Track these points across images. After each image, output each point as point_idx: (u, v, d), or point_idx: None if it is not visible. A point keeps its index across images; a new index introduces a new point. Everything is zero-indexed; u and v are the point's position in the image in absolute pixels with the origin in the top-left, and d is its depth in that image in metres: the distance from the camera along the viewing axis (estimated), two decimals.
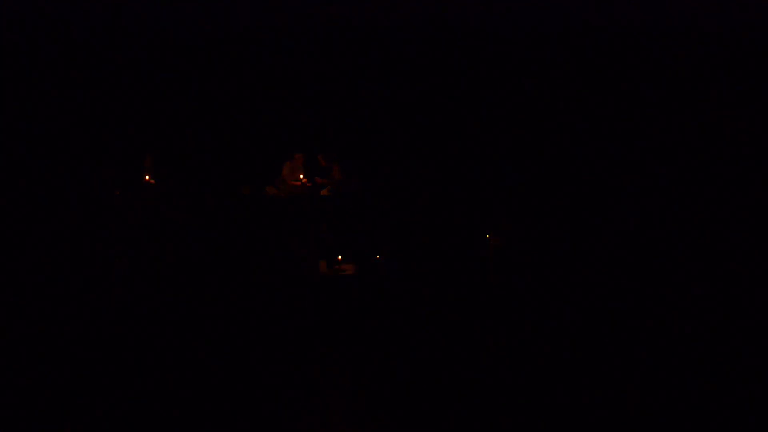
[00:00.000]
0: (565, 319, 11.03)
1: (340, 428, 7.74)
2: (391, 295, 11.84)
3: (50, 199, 11.79)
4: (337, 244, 12.85)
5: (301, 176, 12.89)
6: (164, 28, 11.95)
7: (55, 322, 11.27)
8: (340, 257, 12.48)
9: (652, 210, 11.88)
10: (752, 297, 11.07)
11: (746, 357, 9.93)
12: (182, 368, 9.85)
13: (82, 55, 11.89)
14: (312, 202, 12.89)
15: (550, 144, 12.26)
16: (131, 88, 12.12)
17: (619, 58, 12.05)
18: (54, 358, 9.98)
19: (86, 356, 10.20)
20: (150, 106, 12.21)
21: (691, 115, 11.87)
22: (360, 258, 12.37)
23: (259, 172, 12.91)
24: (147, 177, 12.62)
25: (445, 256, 12.16)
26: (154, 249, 12.05)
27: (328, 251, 12.80)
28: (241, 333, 11.45)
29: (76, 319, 11.38)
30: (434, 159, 12.41)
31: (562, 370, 9.73)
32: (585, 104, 12.23)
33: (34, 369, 9.52)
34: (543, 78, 12.29)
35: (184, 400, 8.55)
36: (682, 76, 11.90)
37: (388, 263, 12.34)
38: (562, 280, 11.74)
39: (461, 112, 12.44)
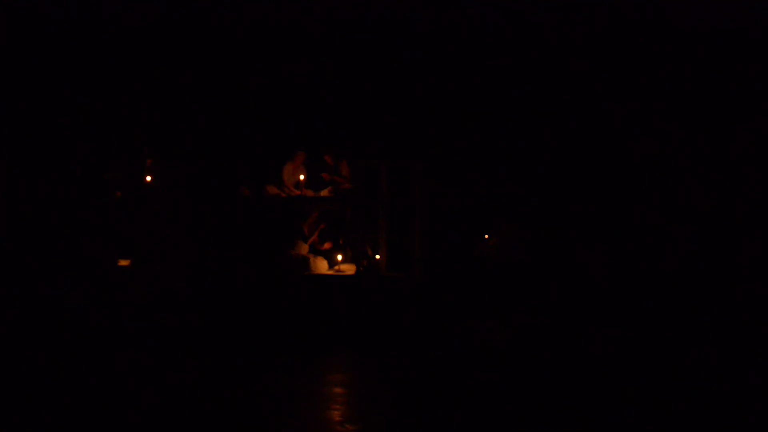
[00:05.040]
0: (564, 319, 11.07)
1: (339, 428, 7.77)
2: (391, 296, 11.87)
3: (51, 200, 11.83)
4: (338, 245, 12.89)
5: (302, 177, 12.83)
6: (165, 30, 11.99)
7: (57, 322, 11.33)
8: (340, 257, 12.51)
9: (652, 210, 11.90)
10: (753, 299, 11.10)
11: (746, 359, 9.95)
12: (181, 367, 9.90)
13: (82, 55, 11.92)
14: (313, 203, 12.86)
15: (548, 144, 12.28)
16: (131, 89, 12.14)
17: (617, 58, 12.06)
18: (54, 358, 10.03)
19: (86, 355, 10.25)
20: (151, 107, 12.24)
21: (689, 117, 11.90)
22: (360, 258, 12.39)
23: (260, 173, 12.91)
24: (148, 178, 12.63)
25: (444, 257, 12.18)
26: (155, 250, 12.09)
27: (328, 251, 12.83)
28: (240, 333, 11.50)
29: (78, 318, 11.44)
30: (434, 159, 12.43)
31: (561, 370, 9.76)
32: (585, 105, 12.25)
33: (34, 369, 9.56)
34: (543, 78, 12.31)
35: (182, 398, 8.59)
36: (681, 78, 11.92)
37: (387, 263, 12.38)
38: (561, 280, 11.77)
39: (462, 112, 12.46)
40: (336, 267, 12.47)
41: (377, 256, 12.37)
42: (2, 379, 9.18)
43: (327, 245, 12.79)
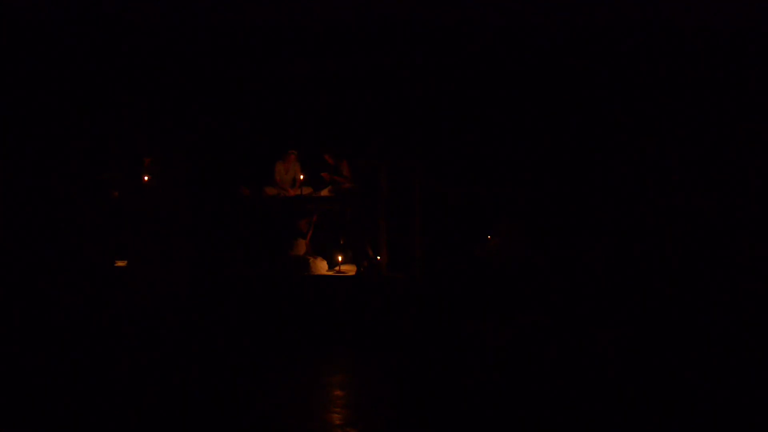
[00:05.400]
0: (565, 319, 11.06)
1: (339, 428, 7.76)
2: (392, 296, 11.85)
3: (50, 200, 11.82)
4: (338, 245, 12.87)
5: (301, 176, 12.78)
6: (165, 29, 11.99)
7: (57, 322, 11.32)
8: (340, 258, 12.49)
9: (653, 210, 11.91)
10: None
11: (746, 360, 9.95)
12: (181, 367, 9.89)
13: (81, 55, 11.93)
14: (312, 202, 12.82)
15: (549, 144, 12.29)
16: (131, 89, 12.14)
17: (617, 58, 12.07)
18: (54, 358, 10.01)
19: (86, 355, 10.23)
20: (150, 107, 12.23)
21: (690, 117, 11.91)
22: (361, 258, 12.37)
23: (260, 173, 12.89)
24: (146, 178, 12.62)
25: (445, 257, 12.17)
26: (155, 250, 12.07)
27: (328, 252, 12.81)
28: (240, 333, 11.48)
29: (77, 318, 11.43)
30: (434, 159, 12.43)
31: (562, 370, 9.75)
32: (585, 105, 12.25)
33: (34, 369, 9.55)
34: (543, 78, 12.31)
35: (182, 398, 8.58)
36: (680, 78, 11.93)
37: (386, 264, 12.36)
38: (562, 280, 11.76)
39: (462, 112, 12.47)
40: (336, 267, 12.44)
41: (378, 257, 12.35)
42: (2, 379, 9.16)
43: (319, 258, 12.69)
